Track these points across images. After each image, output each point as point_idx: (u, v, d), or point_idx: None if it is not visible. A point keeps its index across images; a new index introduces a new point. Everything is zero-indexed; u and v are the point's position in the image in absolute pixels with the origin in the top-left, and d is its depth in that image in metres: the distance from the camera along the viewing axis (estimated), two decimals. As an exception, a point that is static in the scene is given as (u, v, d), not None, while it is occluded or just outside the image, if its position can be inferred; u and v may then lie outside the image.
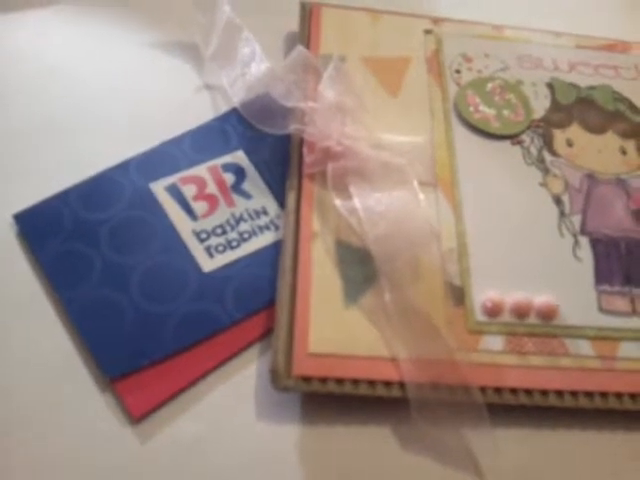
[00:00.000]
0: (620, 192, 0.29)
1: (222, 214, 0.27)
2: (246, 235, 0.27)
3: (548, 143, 0.30)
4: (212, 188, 0.28)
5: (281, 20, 0.34)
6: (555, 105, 0.32)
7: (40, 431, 0.23)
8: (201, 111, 0.31)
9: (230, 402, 0.24)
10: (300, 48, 0.29)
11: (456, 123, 0.30)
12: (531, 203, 0.28)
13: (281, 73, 0.29)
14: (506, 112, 0.31)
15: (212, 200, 0.28)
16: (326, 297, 0.24)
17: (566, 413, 0.24)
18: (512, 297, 0.25)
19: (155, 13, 0.33)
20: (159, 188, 0.28)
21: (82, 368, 0.24)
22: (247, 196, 0.28)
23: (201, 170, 0.28)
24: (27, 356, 0.24)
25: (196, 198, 0.28)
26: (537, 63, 0.33)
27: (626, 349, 0.25)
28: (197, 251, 0.26)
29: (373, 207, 0.25)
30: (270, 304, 0.25)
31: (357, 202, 0.25)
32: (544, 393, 0.24)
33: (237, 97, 0.29)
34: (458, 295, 0.25)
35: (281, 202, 0.28)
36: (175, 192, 0.28)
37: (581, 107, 0.32)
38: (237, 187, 0.28)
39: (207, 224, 0.27)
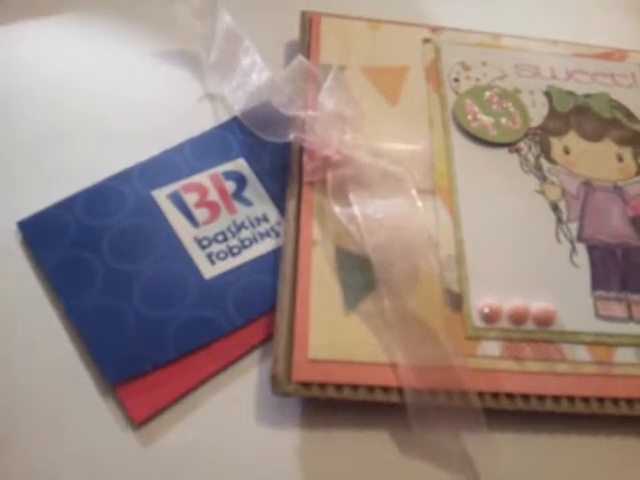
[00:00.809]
0: (617, 199, 0.30)
1: (223, 221, 0.28)
2: (247, 242, 0.27)
3: (545, 151, 0.30)
4: (214, 195, 0.28)
5: (281, 29, 0.34)
6: (552, 113, 0.32)
7: (42, 436, 0.23)
8: (202, 120, 0.31)
9: (230, 407, 0.24)
10: (300, 58, 0.30)
11: (454, 131, 0.30)
12: (529, 210, 0.28)
13: (281, 82, 0.29)
14: (504, 120, 0.31)
15: (213, 207, 0.28)
16: (326, 304, 0.25)
17: (563, 418, 0.24)
18: (510, 303, 0.25)
19: (156, 23, 0.34)
20: (161, 196, 0.28)
21: (84, 373, 0.24)
22: (248, 203, 0.28)
23: (203, 178, 0.29)
24: (30, 362, 0.24)
25: (198, 205, 0.28)
26: (535, 71, 0.33)
27: (623, 354, 0.25)
28: (198, 258, 0.27)
29: (372, 215, 0.25)
30: (270, 310, 0.25)
31: (356, 210, 0.26)
32: (541, 398, 0.24)
33: (238, 106, 0.30)
34: (456, 301, 0.25)
35: (281, 209, 0.28)
36: (177, 199, 0.28)
37: (578, 115, 0.32)
38: (238, 194, 0.29)
39: (208, 231, 0.27)
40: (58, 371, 0.24)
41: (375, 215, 0.25)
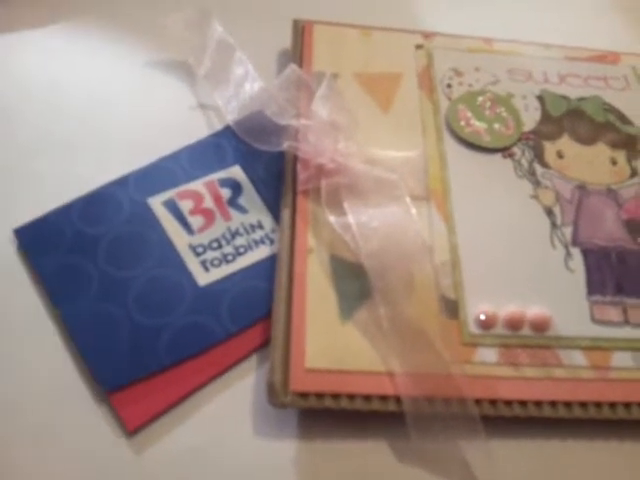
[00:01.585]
0: (611, 202, 0.30)
1: (218, 228, 0.28)
2: (242, 249, 0.27)
3: (539, 155, 0.30)
4: (209, 203, 0.28)
5: (273, 38, 0.34)
6: (545, 117, 0.32)
7: (36, 443, 0.23)
8: (197, 128, 0.31)
9: (225, 415, 0.24)
10: (293, 66, 0.30)
11: (448, 137, 0.30)
12: (523, 215, 0.28)
13: (274, 91, 0.29)
14: (497, 125, 0.31)
15: (208, 214, 0.28)
16: (321, 312, 0.24)
17: (560, 424, 0.24)
18: (505, 309, 0.25)
19: (151, 33, 0.34)
20: (156, 203, 0.28)
21: (78, 380, 0.24)
22: (243, 210, 0.28)
23: (198, 185, 0.29)
24: (24, 368, 0.24)
25: (193, 212, 0.28)
26: (527, 76, 0.33)
27: (619, 359, 0.25)
28: (193, 265, 0.27)
29: (366, 223, 0.25)
30: (265, 317, 0.25)
31: (351, 218, 0.26)
32: (538, 404, 0.24)
33: (231, 116, 0.30)
34: (452, 308, 0.25)
35: (276, 216, 0.28)
36: (172, 207, 0.28)
37: (571, 119, 0.32)
38: (233, 202, 0.29)
39: (203, 238, 0.27)
40: (52, 377, 0.24)
41: (369, 223, 0.25)
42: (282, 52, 0.35)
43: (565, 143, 0.31)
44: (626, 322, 0.26)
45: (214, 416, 0.24)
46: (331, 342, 0.24)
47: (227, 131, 0.30)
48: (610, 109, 0.33)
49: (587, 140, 0.31)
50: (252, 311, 0.26)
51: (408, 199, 0.27)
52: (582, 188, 0.30)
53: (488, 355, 0.24)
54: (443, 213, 0.28)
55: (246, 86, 0.29)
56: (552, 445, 0.25)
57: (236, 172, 0.29)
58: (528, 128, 0.31)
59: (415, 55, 0.33)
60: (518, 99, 0.32)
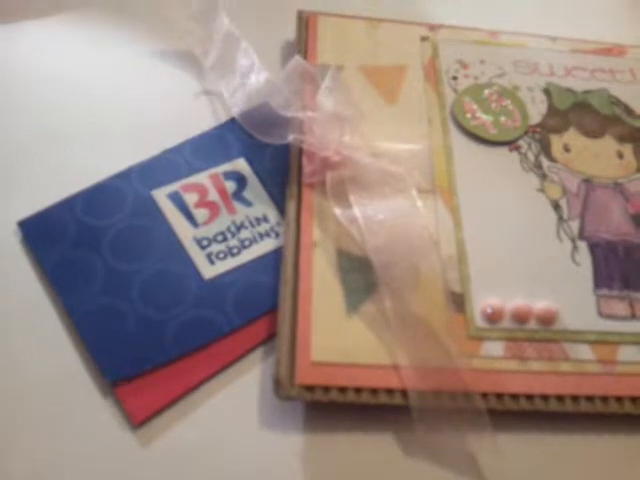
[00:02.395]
0: (618, 196, 0.30)
1: (223, 221, 0.28)
2: (247, 242, 0.27)
3: (545, 149, 0.30)
4: (213, 195, 0.28)
5: (278, 30, 0.34)
6: (552, 110, 0.32)
7: (41, 435, 0.23)
8: (202, 120, 0.31)
9: (231, 408, 0.24)
10: (298, 58, 0.30)
11: (454, 130, 0.30)
12: (529, 209, 0.28)
13: (279, 83, 0.29)
14: (503, 118, 0.31)
15: (213, 207, 0.28)
16: (327, 306, 0.24)
17: (567, 418, 0.24)
18: (512, 303, 0.25)
19: (155, 24, 0.34)
20: (161, 195, 0.28)
21: (84, 373, 0.24)
22: (248, 203, 0.28)
23: (203, 178, 0.29)
24: (30, 361, 0.24)
25: (197, 205, 0.28)
26: (533, 68, 0.33)
27: (626, 353, 0.25)
28: (198, 258, 0.27)
29: (372, 216, 0.25)
30: (270, 310, 0.25)
31: (356, 211, 0.25)
32: (545, 398, 0.24)
33: (236, 107, 0.29)
34: (458, 302, 0.25)
35: (281, 209, 0.28)
36: (177, 199, 0.28)
37: (578, 112, 0.32)
38: (238, 194, 0.28)
39: (208, 231, 0.27)
40: (57, 370, 0.24)
41: (375, 216, 0.25)
42: (287, 44, 0.34)
43: (571, 136, 0.31)
44: (633, 316, 0.26)
45: (220, 409, 0.24)
46: (337, 335, 0.24)
47: (232, 123, 0.30)
48: (616, 102, 0.33)
49: (594, 133, 0.31)
50: (257, 304, 0.26)
51: (414, 192, 0.27)
52: (588, 182, 0.30)
53: (494, 349, 0.24)
54: (449, 206, 0.27)
55: (252, 77, 0.29)
56: (558, 439, 0.24)
57: (241, 165, 0.29)
58: (534, 121, 0.31)
59: (421, 47, 0.33)
60: (524, 92, 0.32)
